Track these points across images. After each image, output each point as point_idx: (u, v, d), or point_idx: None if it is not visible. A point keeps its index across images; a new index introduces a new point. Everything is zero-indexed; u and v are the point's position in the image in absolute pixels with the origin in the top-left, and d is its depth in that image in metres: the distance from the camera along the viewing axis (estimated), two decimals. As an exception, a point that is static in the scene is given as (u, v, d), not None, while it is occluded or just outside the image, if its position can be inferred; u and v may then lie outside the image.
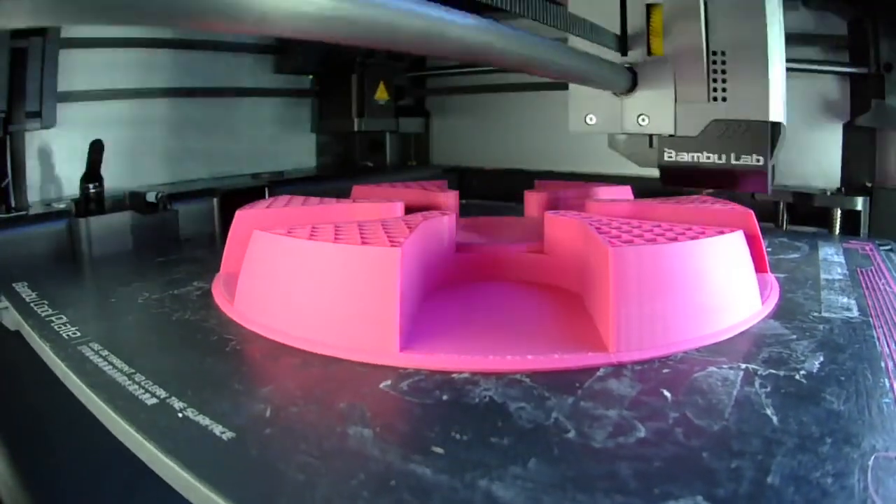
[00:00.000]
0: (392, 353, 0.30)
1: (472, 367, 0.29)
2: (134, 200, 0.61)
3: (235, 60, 0.82)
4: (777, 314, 0.36)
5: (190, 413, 0.25)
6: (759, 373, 0.28)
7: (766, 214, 0.77)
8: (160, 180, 0.73)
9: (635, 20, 0.44)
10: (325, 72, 0.89)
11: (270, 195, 0.71)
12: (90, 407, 0.27)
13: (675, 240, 0.33)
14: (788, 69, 0.74)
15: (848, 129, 0.73)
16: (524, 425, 0.24)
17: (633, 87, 0.45)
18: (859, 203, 0.70)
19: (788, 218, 0.76)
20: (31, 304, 0.40)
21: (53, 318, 0.37)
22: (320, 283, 0.32)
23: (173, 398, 0.27)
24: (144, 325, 0.36)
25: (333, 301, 0.32)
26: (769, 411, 0.25)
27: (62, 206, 0.58)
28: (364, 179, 0.86)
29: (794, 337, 0.33)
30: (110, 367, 0.30)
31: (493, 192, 0.97)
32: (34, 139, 0.62)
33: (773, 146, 0.43)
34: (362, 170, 0.96)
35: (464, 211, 0.56)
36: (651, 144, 0.47)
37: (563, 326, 0.33)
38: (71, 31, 0.64)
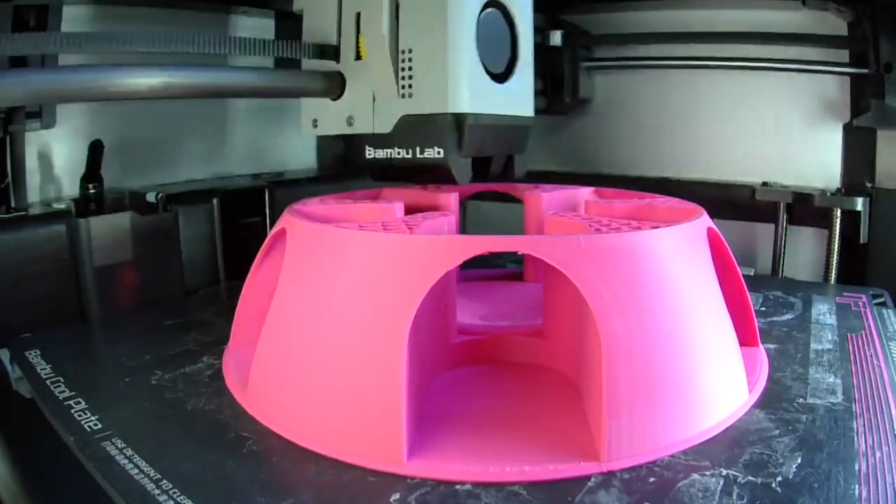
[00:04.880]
0: (399, 462, 0.31)
1: (474, 479, 0.30)
2: (134, 201, 0.61)
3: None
4: (763, 401, 0.38)
5: None
6: (738, 480, 0.30)
7: (767, 215, 0.77)
8: (160, 180, 0.73)
9: (347, 28, 0.46)
10: (325, 72, 0.89)
11: (270, 196, 0.71)
12: None
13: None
14: (789, 69, 0.74)
15: (848, 129, 0.73)
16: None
17: (341, 91, 0.47)
18: (859, 203, 0.70)
19: (788, 218, 0.76)
20: (47, 381, 0.41)
21: (72, 403, 0.38)
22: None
23: None
24: (162, 417, 0.37)
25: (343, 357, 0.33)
26: (742, 529, 0.26)
27: (62, 206, 0.58)
28: (364, 179, 0.85)
29: (777, 433, 0.34)
30: (136, 470, 0.31)
31: (492, 191, 0.97)
32: (34, 139, 0.62)
33: (459, 137, 0.43)
34: (362, 169, 0.95)
35: (464, 210, 0.56)
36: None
37: (559, 426, 0.35)
38: (69, 28, 0.64)
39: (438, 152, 0.43)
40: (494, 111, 0.46)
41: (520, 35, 0.48)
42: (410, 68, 0.44)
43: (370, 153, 0.47)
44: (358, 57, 0.46)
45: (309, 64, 0.48)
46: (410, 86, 0.44)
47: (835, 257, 0.73)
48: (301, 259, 0.38)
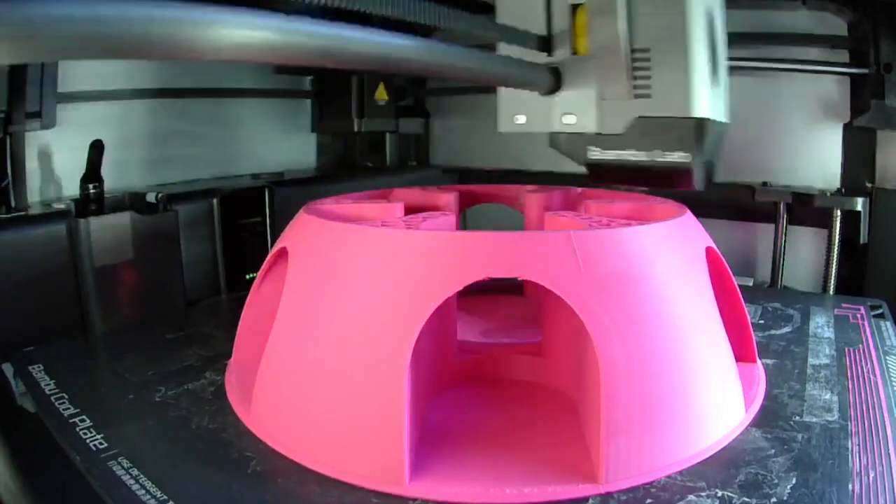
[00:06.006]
0: (401, 483, 0.31)
1: (474, 500, 0.31)
2: (134, 201, 0.61)
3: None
4: (760, 420, 0.38)
5: None
6: (733, 501, 0.30)
7: (767, 215, 0.77)
8: (160, 180, 0.73)
9: (560, 20, 0.45)
10: (325, 72, 0.89)
11: (270, 195, 0.71)
12: None
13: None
14: (789, 69, 0.74)
15: (848, 130, 0.73)
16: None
17: (557, 86, 0.45)
18: (859, 203, 0.70)
19: (788, 218, 0.76)
20: (52, 398, 0.41)
21: (77, 421, 0.38)
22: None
23: None
24: (166, 436, 0.37)
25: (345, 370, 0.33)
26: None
27: (62, 206, 0.58)
28: (364, 180, 0.86)
29: (773, 452, 0.34)
30: (143, 491, 0.31)
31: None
32: (34, 139, 0.62)
33: (700, 143, 0.42)
34: (362, 170, 0.96)
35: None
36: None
37: (558, 446, 0.36)
38: None
39: (684, 157, 0.42)
40: (716, 115, 0.44)
41: (718, 32, 0.45)
42: (647, 68, 0.42)
43: (594, 153, 0.45)
44: (573, 52, 0.45)
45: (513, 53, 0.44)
46: (647, 87, 0.42)
47: (834, 258, 0.73)
48: (305, 266, 0.38)
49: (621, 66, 0.42)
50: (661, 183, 0.44)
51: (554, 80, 0.45)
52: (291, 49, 0.24)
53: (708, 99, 0.42)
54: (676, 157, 0.42)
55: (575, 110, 0.45)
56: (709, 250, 0.41)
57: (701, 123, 0.41)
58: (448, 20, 0.33)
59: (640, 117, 0.43)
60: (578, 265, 0.33)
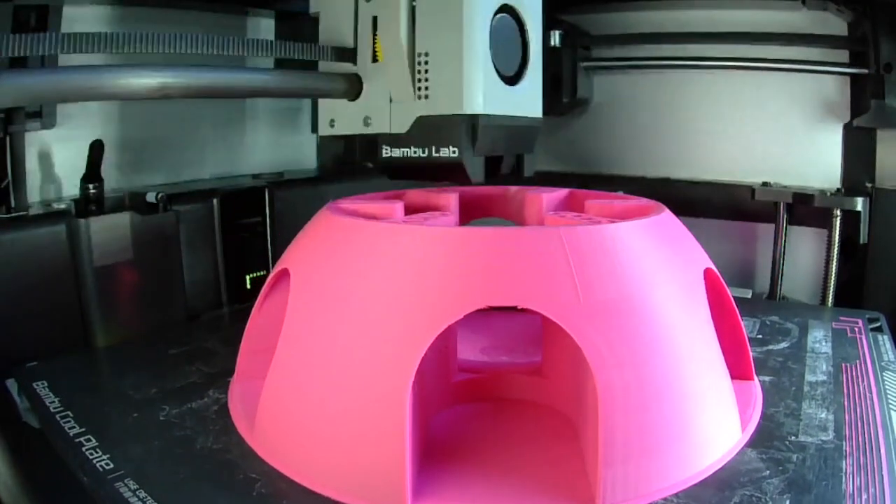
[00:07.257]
0: None
1: None
2: (134, 201, 0.61)
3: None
4: (755, 440, 0.38)
5: None
6: None
7: (767, 215, 0.77)
8: (160, 180, 0.73)
9: (364, 31, 0.49)
10: (325, 72, 0.89)
11: (270, 196, 0.71)
12: None
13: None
14: (789, 69, 0.74)
15: (848, 129, 0.74)
16: None
17: (358, 92, 0.49)
18: (859, 203, 0.70)
19: (788, 218, 0.76)
20: (57, 416, 0.41)
21: (83, 441, 0.38)
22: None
23: None
24: (172, 456, 0.37)
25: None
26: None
27: (62, 206, 0.58)
28: (364, 180, 0.86)
29: (767, 473, 0.35)
30: None
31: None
32: (34, 139, 0.62)
33: (472, 138, 0.45)
34: (362, 170, 0.95)
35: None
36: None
37: (557, 468, 0.36)
38: (70, 29, 0.64)
39: (454, 151, 0.45)
40: (506, 112, 0.48)
41: (530, 39, 0.50)
42: (426, 71, 0.45)
43: (387, 152, 0.48)
44: (375, 59, 0.48)
45: (325, 65, 0.50)
46: (426, 87, 0.46)
47: (834, 261, 0.73)
48: (306, 276, 0.38)
49: (405, 70, 0.46)
50: (443, 177, 0.49)
51: (356, 87, 0.49)
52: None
53: (486, 96, 0.45)
54: (448, 152, 0.45)
55: (371, 113, 0.49)
56: (707, 272, 0.41)
57: (473, 119, 0.45)
58: (279, 51, 0.44)
59: (420, 117, 0.46)
60: (576, 287, 0.33)
